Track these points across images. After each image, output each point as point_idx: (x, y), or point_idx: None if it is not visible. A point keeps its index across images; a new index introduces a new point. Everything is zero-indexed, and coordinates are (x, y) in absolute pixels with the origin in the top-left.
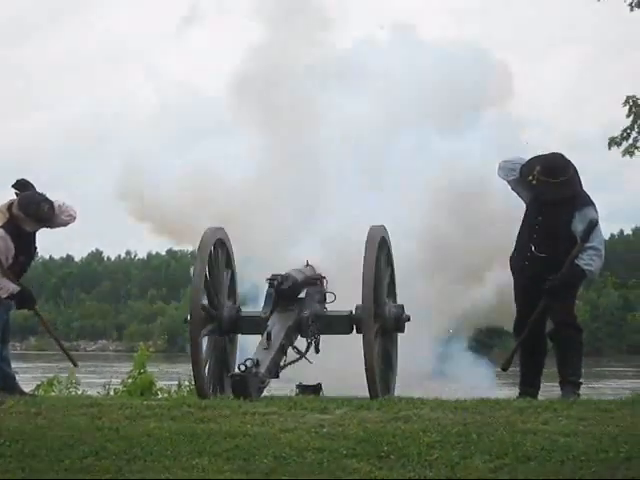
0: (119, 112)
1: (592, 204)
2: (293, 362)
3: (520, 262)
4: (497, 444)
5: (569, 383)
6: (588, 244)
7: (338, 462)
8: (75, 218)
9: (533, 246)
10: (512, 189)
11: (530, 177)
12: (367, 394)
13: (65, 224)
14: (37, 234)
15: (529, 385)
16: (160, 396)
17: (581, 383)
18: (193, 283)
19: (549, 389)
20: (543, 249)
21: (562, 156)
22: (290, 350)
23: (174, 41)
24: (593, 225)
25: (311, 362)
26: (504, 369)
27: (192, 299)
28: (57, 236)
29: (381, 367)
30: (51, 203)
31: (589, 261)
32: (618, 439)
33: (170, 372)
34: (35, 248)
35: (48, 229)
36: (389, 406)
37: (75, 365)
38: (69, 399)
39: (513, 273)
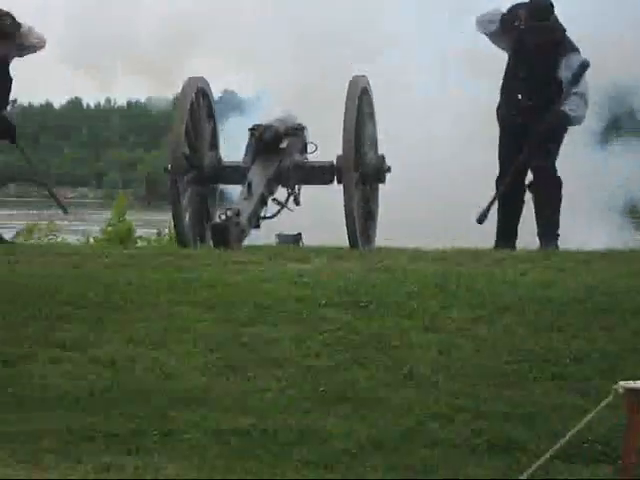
0: None
1: (578, 50)
2: (275, 215)
3: (509, 112)
4: (475, 295)
5: (547, 235)
6: (573, 89)
7: (317, 312)
8: (45, 42)
9: (521, 95)
10: (492, 42)
11: (517, 22)
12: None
13: (34, 48)
14: (12, 71)
15: (507, 237)
16: (140, 245)
17: (559, 235)
18: (174, 130)
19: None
20: (532, 97)
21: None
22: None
23: None
24: (584, 68)
25: (292, 210)
26: (480, 222)
27: (173, 146)
28: (36, 83)
29: (361, 216)
30: (13, 18)
31: (573, 106)
32: (595, 290)
33: (150, 220)
34: (10, 79)
35: (19, 57)
36: (368, 256)
37: (65, 212)
38: (48, 247)
39: (501, 125)
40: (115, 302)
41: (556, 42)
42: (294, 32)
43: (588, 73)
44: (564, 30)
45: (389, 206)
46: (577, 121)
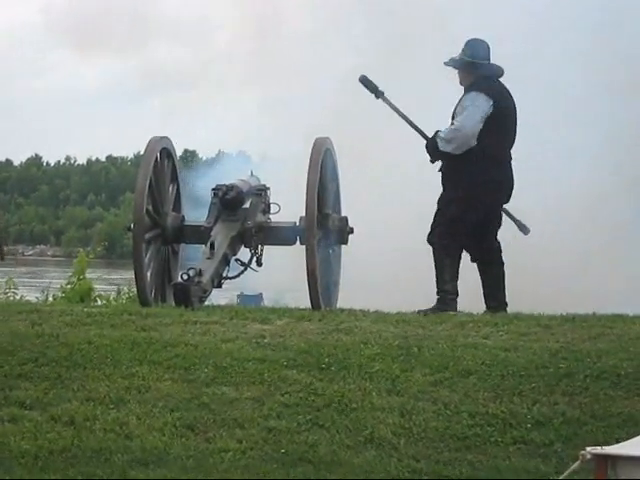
0: None
1: (476, 90)
2: (238, 275)
3: None
4: (438, 358)
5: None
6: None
7: (278, 373)
8: None
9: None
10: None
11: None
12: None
13: None
14: None
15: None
16: (99, 303)
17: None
18: (137, 187)
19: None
20: None
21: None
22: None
23: None
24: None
25: (256, 270)
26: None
27: (136, 203)
28: None
29: (323, 278)
30: None
31: (445, 134)
32: (558, 355)
33: (109, 279)
34: None
35: None
36: (330, 317)
37: (2, 259)
38: (8, 304)
39: None
40: (76, 361)
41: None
42: (261, 93)
43: None
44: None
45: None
46: (444, 147)
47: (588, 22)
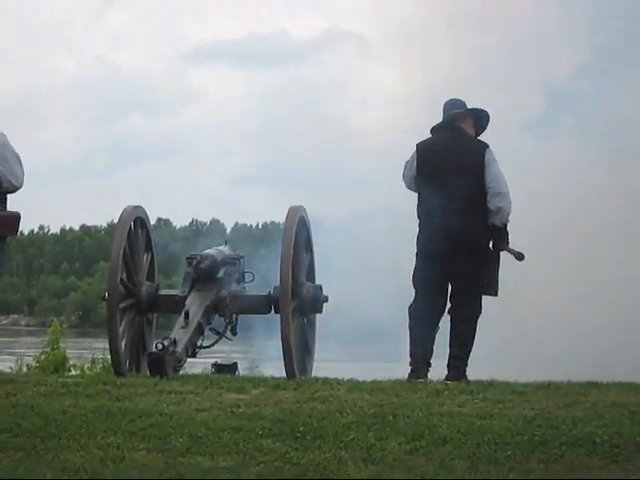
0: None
1: None
2: (213, 344)
3: None
4: (413, 426)
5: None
6: None
7: (254, 442)
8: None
9: None
10: None
11: None
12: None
13: None
14: None
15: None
16: (73, 372)
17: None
18: (111, 256)
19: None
20: None
21: None
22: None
23: None
24: None
25: (231, 340)
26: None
27: (111, 272)
28: None
29: (298, 346)
30: None
31: None
32: (533, 422)
33: (83, 348)
34: None
35: None
36: (305, 386)
37: None
38: None
39: None
40: (50, 431)
41: None
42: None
43: None
44: None
45: None
46: None
47: None
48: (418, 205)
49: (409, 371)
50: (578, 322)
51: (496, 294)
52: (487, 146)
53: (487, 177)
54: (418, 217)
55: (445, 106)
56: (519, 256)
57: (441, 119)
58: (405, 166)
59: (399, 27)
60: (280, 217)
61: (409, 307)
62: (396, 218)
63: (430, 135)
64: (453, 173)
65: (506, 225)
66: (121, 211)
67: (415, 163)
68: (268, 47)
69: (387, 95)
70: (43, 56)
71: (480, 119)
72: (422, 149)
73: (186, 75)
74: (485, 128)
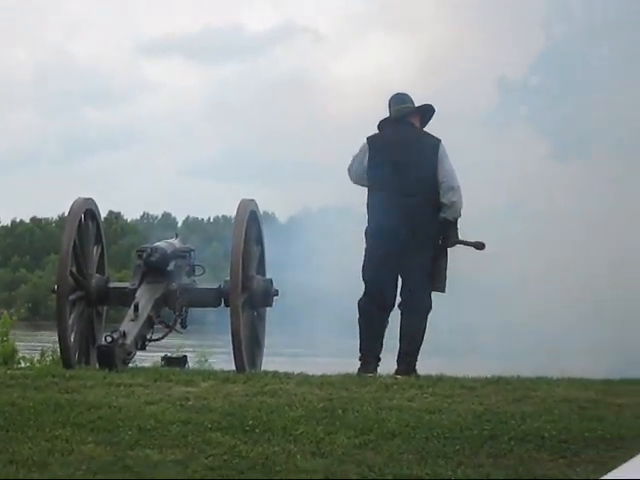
0: None
1: None
2: (162, 337)
3: None
4: (362, 420)
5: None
6: None
7: (203, 435)
8: None
9: None
10: None
11: None
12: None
13: None
14: None
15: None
16: (23, 365)
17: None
18: (61, 248)
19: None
20: None
21: None
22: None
23: None
24: None
25: (181, 332)
26: None
27: (60, 264)
28: None
29: (248, 340)
30: None
31: None
32: (482, 417)
33: (33, 341)
34: None
35: None
36: (255, 380)
37: None
38: None
39: None
40: None
41: None
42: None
43: None
44: None
45: None
46: None
47: None
48: (368, 198)
49: (359, 365)
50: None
51: (444, 290)
52: (439, 141)
53: (440, 172)
54: (367, 210)
55: (392, 100)
56: (479, 245)
57: (388, 114)
58: (353, 160)
59: (354, 21)
60: (232, 211)
61: (359, 301)
62: (349, 214)
63: (378, 129)
64: (406, 167)
65: (457, 220)
66: (71, 203)
67: (366, 157)
68: (223, 40)
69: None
70: None
71: (425, 114)
72: (374, 142)
73: (141, 67)
74: (427, 123)
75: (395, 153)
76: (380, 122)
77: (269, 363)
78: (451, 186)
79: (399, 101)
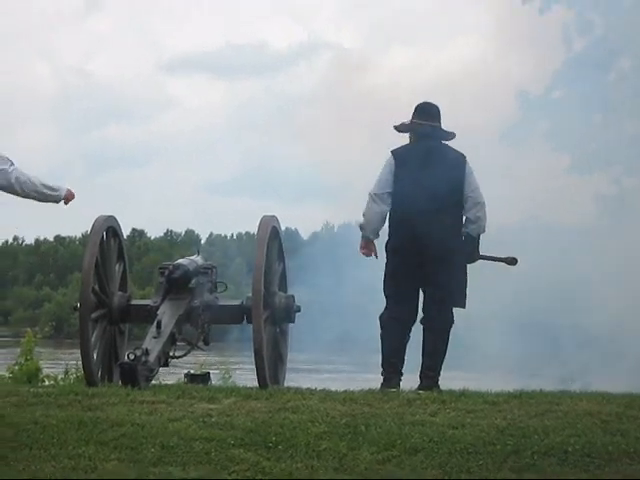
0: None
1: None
2: (185, 354)
3: None
4: (385, 435)
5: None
6: None
7: (226, 452)
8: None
9: None
10: None
11: None
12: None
13: None
14: None
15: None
16: (47, 383)
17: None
18: (83, 266)
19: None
20: None
21: None
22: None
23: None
24: None
25: (203, 350)
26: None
27: (83, 282)
28: None
29: (270, 356)
30: None
31: None
32: (505, 432)
33: (57, 359)
34: None
35: None
36: (277, 396)
37: None
38: None
39: None
40: (21, 441)
41: None
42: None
43: None
44: None
45: None
46: None
47: None
48: (391, 211)
49: (381, 381)
50: None
51: (464, 306)
52: (465, 156)
53: (467, 187)
54: (390, 223)
55: (419, 111)
56: (511, 261)
57: (411, 119)
58: (379, 180)
59: (377, 35)
60: (255, 227)
61: (380, 316)
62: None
63: (395, 130)
64: (431, 181)
65: (479, 236)
66: (93, 221)
67: (392, 170)
68: (245, 57)
69: (366, 105)
70: (19, 61)
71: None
72: (399, 156)
73: (163, 85)
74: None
75: (421, 166)
76: (400, 126)
77: (290, 380)
78: (478, 202)
79: (427, 115)
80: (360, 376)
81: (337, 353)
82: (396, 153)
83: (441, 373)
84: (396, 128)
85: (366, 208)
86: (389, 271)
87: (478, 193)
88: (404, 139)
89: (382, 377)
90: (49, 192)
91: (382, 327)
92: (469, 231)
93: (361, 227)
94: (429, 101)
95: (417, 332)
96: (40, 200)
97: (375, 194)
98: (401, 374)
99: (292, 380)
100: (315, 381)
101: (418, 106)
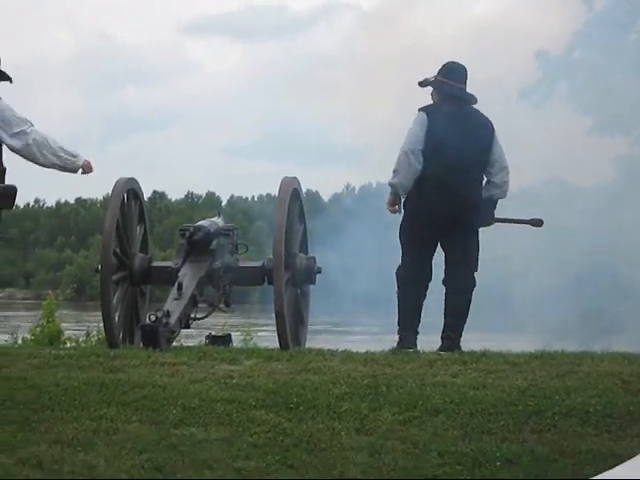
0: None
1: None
2: (206, 316)
3: None
4: (406, 396)
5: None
6: None
7: (247, 413)
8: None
9: None
10: None
11: None
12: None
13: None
14: None
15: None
16: (68, 345)
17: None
18: (104, 228)
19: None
20: None
21: None
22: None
23: None
24: None
25: (225, 311)
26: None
27: (104, 244)
28: None
29: (291, 317)
30: None
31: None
32: (526, 392)
33: (79, 321)
34: None
35: None
36: (299, 357)
37: None
38: None
39: None
40: (43, 403)
41: None
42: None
43: None
44: None
45: None
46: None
47: None
48: (422, 169)
49: (397, 340)
50: None
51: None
52: (492, 123)
53: (495, 152)
54: (419, 180)
55: (448, 71)
56: (537, 222)
57: (435, 76)
58: (409, 137)
59: None
60: (276, 189)
61: (396, 272)
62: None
63: (419, 85)
64: (463, 143)
65: (498, 200)
66: (114, 183)
67: (424, 129)
68: (265, 19)
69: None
70: (40, 26)
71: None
72: (433, 113)
73: (182, 47)
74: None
75: (455, 128)
76: (425, 81)
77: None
78: (504, 166)
79: (456, 76)
80: (389, 337)
81: (365, 315)
82: (429, 111)
83: (462, 334)
84: (420, 83)
85: (398, 164)
86: (409, 229)
87: (504, 158)
88: (426, 99)
89: (398, 336)
90: (69, 157)
91: (399, 286)
92: (492, 195)
93: (392, 184)
94: (457, 61)
95: (439, 293)
96: (59, 167)
97: (410, 150)
98: (417, 333)
99: (327, 342)
100: (347, 343)
101: (446, 65)
